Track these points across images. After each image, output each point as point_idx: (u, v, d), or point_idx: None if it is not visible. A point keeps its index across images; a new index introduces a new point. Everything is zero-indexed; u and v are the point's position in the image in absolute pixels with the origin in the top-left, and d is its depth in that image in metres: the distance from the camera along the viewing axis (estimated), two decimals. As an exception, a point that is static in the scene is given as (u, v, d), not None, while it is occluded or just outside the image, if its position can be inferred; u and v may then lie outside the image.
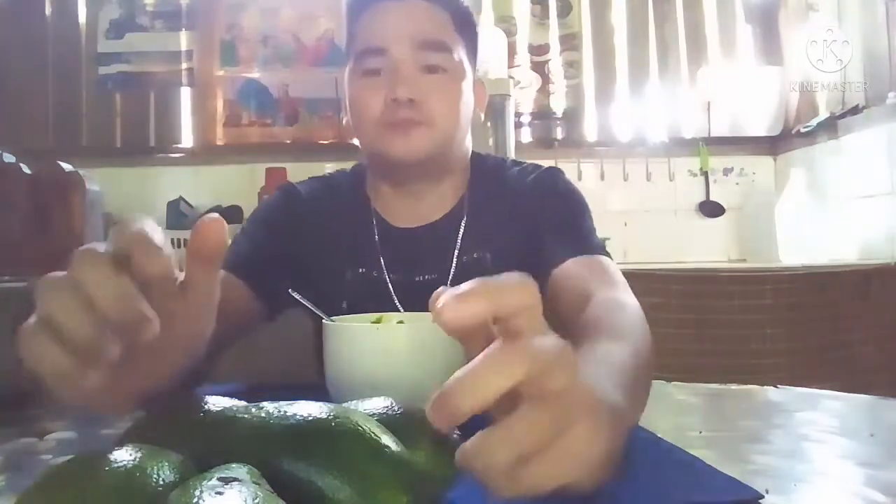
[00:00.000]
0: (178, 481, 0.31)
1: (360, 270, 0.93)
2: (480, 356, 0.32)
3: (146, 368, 0.43)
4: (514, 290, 0.34)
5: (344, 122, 0.97)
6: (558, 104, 2.63)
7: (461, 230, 0.94)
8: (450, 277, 0.91)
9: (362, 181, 1.00)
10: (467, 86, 0.92)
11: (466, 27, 0.93)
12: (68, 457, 0.33)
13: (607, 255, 0.86)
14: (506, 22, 2.62)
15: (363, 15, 0.91)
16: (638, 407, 0.47)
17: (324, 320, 0.66)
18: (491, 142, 2.18)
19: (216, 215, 0.42)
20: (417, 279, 0.92)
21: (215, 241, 0.41)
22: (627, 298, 0.72)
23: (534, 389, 0.32)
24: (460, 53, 0.91)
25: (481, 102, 0.99)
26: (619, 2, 2.65)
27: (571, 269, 0.83)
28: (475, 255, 0.92)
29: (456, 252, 0.93)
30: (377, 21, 0.90)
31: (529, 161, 1.02)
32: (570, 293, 0.78)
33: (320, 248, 0.94)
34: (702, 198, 2.57)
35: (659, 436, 0.53)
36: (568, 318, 0.74)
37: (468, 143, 0.98)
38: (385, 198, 0.96)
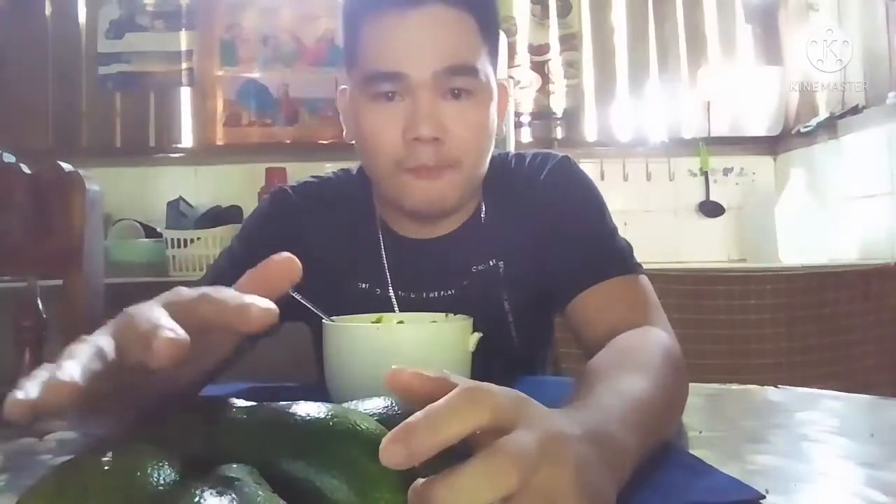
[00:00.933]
0: (178, 481, 0.31)
1: (362, 286, 0.86)
2: (465, 466, 0.30)
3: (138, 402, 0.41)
4: (462, 414, 0.31)
5: (344, 135, 0.87)
6: (558, 104, 2.63)
7: (479, 240, 0.86)
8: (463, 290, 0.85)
9: (368, 187, 0.90)
10: (493, 106, 0.80)
11: (491, 29, 0.80)
12: (68, 457, 0.33)
13: (636, 266, 0.80)
14: (506, 22, 2.62)
15: (370, 26, 0.76)
16: (651, 441, 0.46)
17: (324, 320, 0.66)
18: (491, 142, 2.18)
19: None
20: (431, 295, 0.85)
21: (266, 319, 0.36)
22: (658, 329, 0.69)
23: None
24: (486, 68, 0.78)
25: (503, 109, 0.85)
26: (619, 2, 2.65)
27: (599, 296, 0.77)
28: (482, 267, 0.86)
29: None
30: (391, 37, 0.74)
31: (533, 151, 0.92)
32: (600, 322, 0.75)
33: (316, 260, 0.85)
34: (702, 198, 2.57)
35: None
36: (593, 348, 0.70)
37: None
38: (394, 211, 0.86)
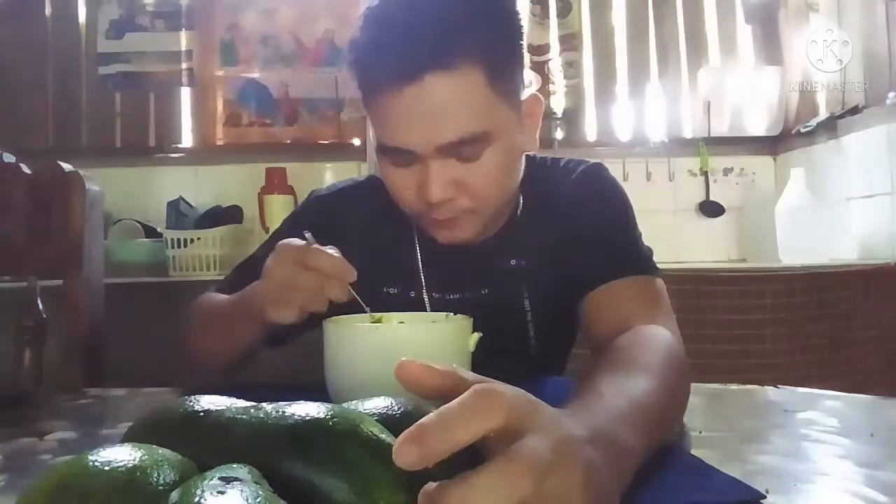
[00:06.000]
0: (178, 481, 0.31)
1: (390, 291, 0.87)
2: (480, 472, 0.30)
3: None
4: (476, 417, 0.31)
5: (346, 119, 0.90)
6: (558, 104, 2.63)
7: (510, 240, 0.87)
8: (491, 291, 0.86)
9: None
10: (514, 140, 0.78)
11: (509, 65, 0.76)
12: (68, 457, 0.33)
13: (653, 268, 0.81)
14: (506, 22, 2.62)
15: (375, 98, 0.75)
16: (654, 442, 0.47)
17: (324, 321, 0.66)
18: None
19: None
20: (464, 296, 0.86)
21: None
22: (664, 329, 0.69)
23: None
24: (502, 114, 0.75)
25: (535, 121, 0.83)
26: (619, 2, 2.64)
27: (611, 292, 0.78)
28: (507, 266, 0.87)
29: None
30: (393, 115, 0.73)
31: (569, 157, 0.94)
32: (608, 320, 0.76)
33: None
34: (702, 198, 2.57)
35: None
36: (600, 344, 0.71)
37: (521, 169, 0.85)
38: None
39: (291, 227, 0.94)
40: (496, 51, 0.74)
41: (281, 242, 0.69)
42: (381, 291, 0.87)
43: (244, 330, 0.79)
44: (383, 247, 0.89)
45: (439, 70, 0.70)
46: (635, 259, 0.82)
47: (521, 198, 0.89)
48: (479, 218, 0.80)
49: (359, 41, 0.75)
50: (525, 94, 0.81)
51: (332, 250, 0.66)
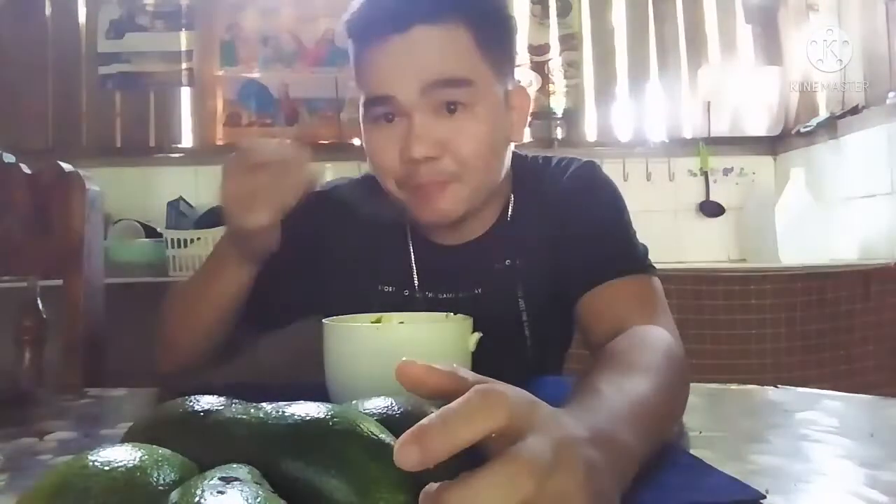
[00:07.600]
0: (178, 481, 0.31)
1: (387, 289, 0.87)
2: (482, 473, 0.30)
3: None
4: (478, 418, 0.31)
5: (346, 119, 0.92)
6: (558, 104, 2.63)
7: (503, 240, 0.87)
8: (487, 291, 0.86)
9: None
10: (499, 114, 0.80)
11: (494, 37, 0.80)
12: (68, 457, 0.33)
13: (648, 267, 0.82)
14: (506, 22, 2.62)
15: (361, 52, 0.79)
16: (654, 442, 0.46)
17: (324, 320, 0.66)
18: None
19: None
20: (458, 296, 0.86)
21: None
22: (661, 328, 0.69)
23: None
24: (487, 77, 0.78)
25: (523, 114, 0.85)
26: (619, 2, 2.64)
27: (607, 293, 0.78)
28: (502, 266, 0.86)
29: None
30: (379, 63, 0.76)
31: (560, 156, 0.93)
32: (605, 321, 0.75)
33: (337, 262, 0.88)
34: (702, 198, 2.57)
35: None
36: (598, 345, 0.71)
37: (508, 160, 0.86)
38: None
39: (287, 222, 0.93)
40: (483, 17, 0.78)
41: (226, 160, 0.72)
42: (375, 290, 0.88)
43: (224, 283, 0.79)
44: (377, 245, 0.89)
45: (427, 23, 0.75)
46: (631, 258, 0.82)
47: (513, 196, 0.89)
48: (462, 190, 0.78)
49: (353, 3, 0.80)
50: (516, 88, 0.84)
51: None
